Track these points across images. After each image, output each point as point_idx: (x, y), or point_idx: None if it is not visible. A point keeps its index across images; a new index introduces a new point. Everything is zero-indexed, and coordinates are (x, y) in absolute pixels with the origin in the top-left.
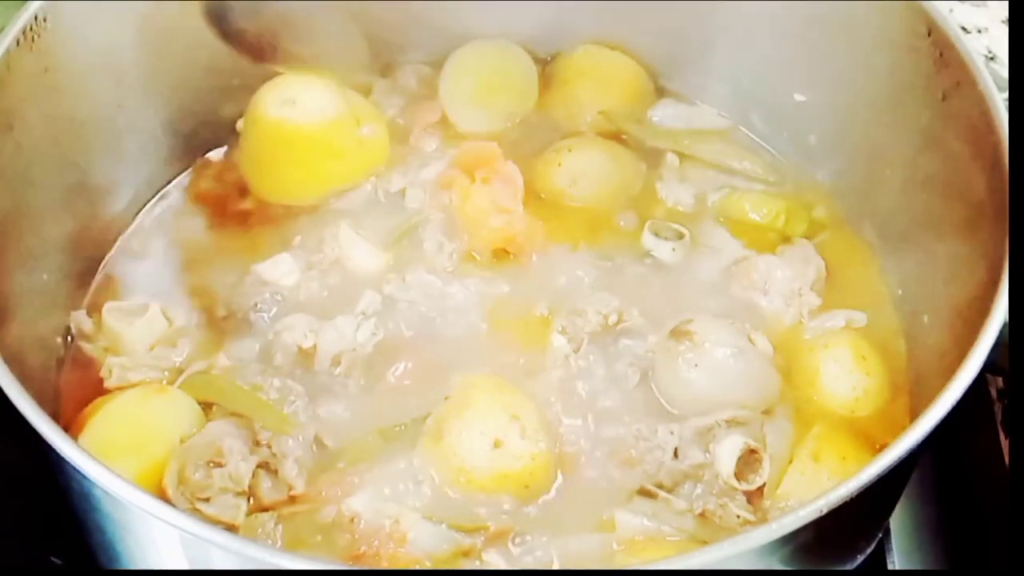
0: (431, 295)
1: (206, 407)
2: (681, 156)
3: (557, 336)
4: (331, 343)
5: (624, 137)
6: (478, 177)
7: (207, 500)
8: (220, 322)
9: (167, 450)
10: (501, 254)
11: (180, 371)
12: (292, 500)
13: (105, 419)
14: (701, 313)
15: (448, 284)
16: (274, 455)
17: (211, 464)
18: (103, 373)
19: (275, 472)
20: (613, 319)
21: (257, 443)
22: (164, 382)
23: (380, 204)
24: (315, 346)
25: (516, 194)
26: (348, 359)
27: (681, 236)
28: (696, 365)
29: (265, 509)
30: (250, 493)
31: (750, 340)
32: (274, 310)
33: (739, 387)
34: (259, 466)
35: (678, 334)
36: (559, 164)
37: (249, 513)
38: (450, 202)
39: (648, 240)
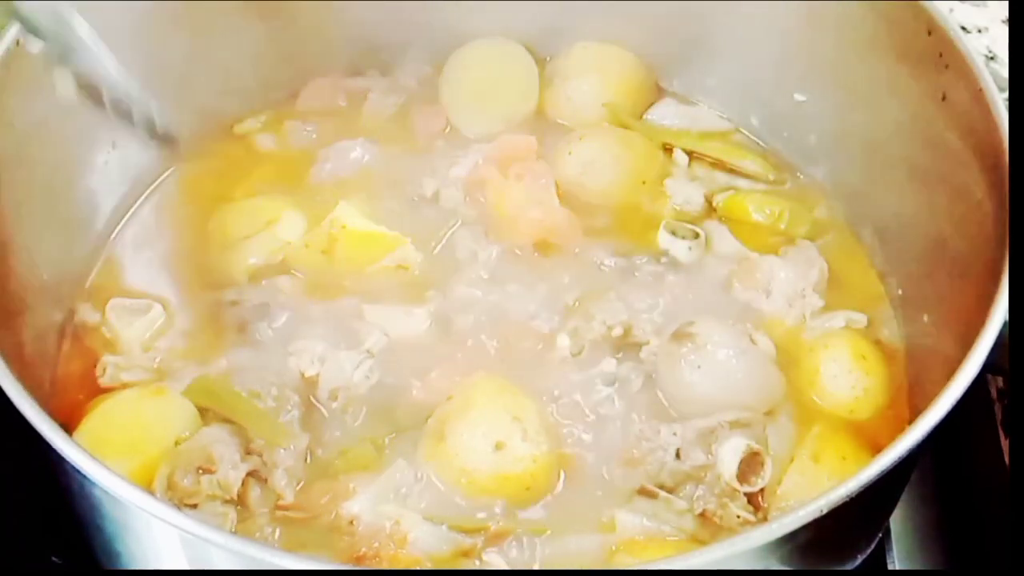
0: (474, 307)
1: (202, 411)
2: (688, 154)
3: (562, 336)
4: (331, 376)
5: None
6: (511, 174)
7: (194, 506)
8: (223, 324)
9: (161, 452)
10: (543, 247)
11: (176, 373)
12: (284, 508)
13: (100, 418)
14: (705, 314)
15: (488, 293)
16: (265, 464)
17: (201, 470)
18: (97, 370)
19: (265, 481)
20: (618, 332)
21: (249, 451)
22: (158, 383)
23: (415, 210)
24: (318, 375)
25: (549, 187)
26: (344, 396)
27: (697, 235)
28: (699, 367)
29: (253, 516)
30: (239, 501)
31: (752, 341)
32: (282, 319)
33: (742, 388)
34: (249, 474)
35: (680, 336)
36: (569, 153)
37: (238, 521)
38: (484, 200)
39: (664, 239)
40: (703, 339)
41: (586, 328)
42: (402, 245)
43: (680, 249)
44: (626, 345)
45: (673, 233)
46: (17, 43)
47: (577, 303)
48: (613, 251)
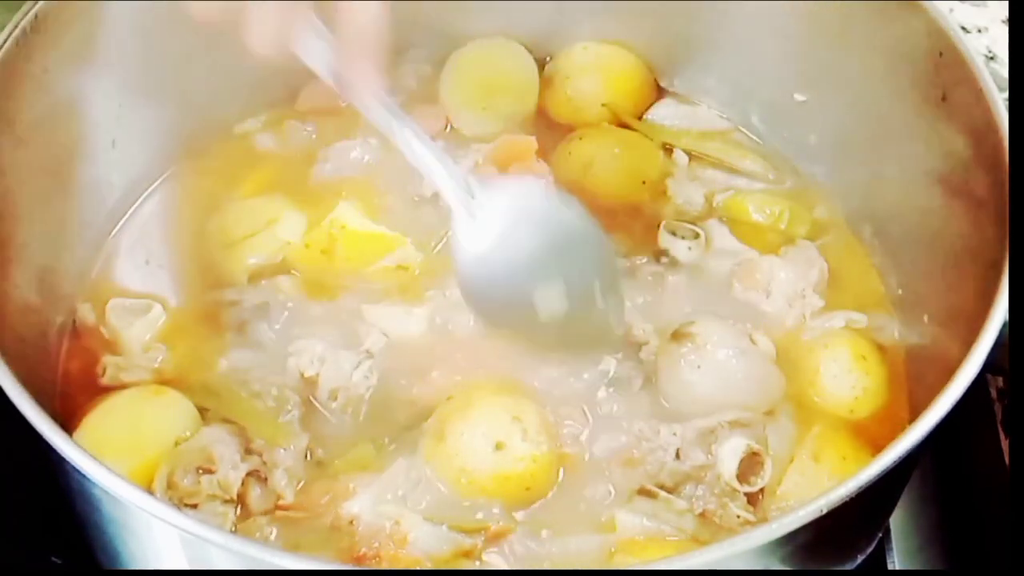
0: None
1: (202, 411)
2: (688, 154)
3: None
4: (331, 377)
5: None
6: (511, 173)
7: (194, 506)
8: (223, 324)
9: (161, 452)
10: None
11: (176, 373)
12: (285, 508)
13: (100, 418)
14: (705, 314)
15: None
16: (265, 464)
17: (200, 470)
18: (98, 371)
19: (265, 481)
20: (618, 331)
21: (249, 451)
22: (158, 383)
23: (415, 210)
24: (318, 375)
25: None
26: (344, 396)
27: (697, 236)
28: (698, 367)
29: (253, 516)
30: (239, 501)
31: (752, 341)
32: (282, 319)
33: (742, 388)
34: (249, 474)
35: (679, 336)
36: (569, 153)
37: (238, 521)
38: None
39: (664, 239)
40: (703, 339)
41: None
42: (402, 245)
43: (680, 249)
44: (626, 345)
45: (673, 233)
46: (17, 43)
47: None
48: (621, 254)
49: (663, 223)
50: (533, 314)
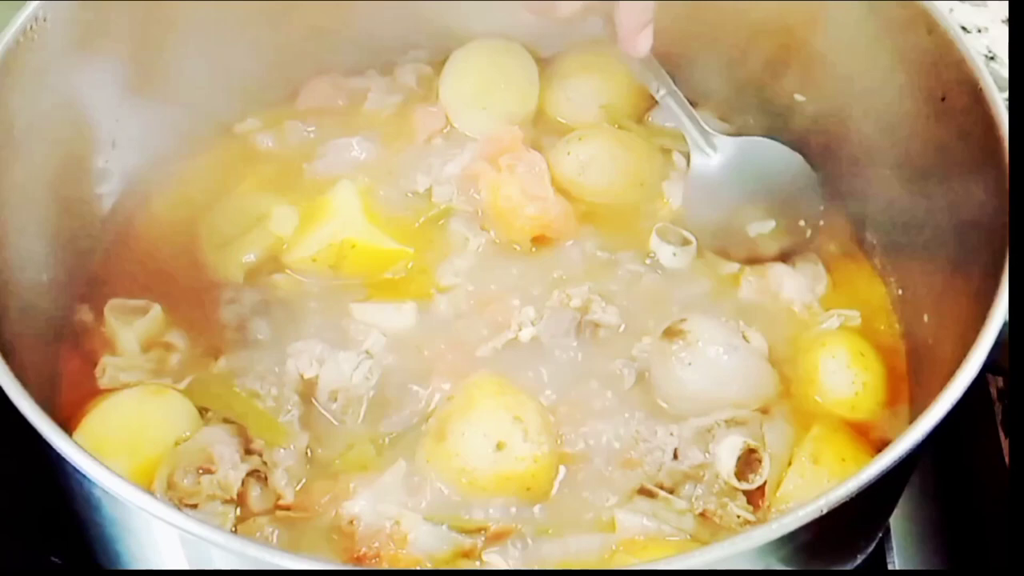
0: (468, 304)
1: (202, 411)
2: (686, 156)
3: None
4: (331, 378)
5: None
6: (503, 165)
7: (194, 506)
8: (222, 323)
9: (161, 452)
10: (538, 240)
11: (175, 374)
12: (285, 508)
13: (100, 418)
14: (696, 312)
15: (483, 289)
16: (265, 464)
17: (201, 470)
18: (97, 371)
19: (265, 481)
20: (621, 328)
21: (249, 451)
22: (158, 383)
23: (409, 206)
24: (317, 376)
25: (543, 178)
26: (344, 397)
27: (687, 243)
28: (689, 363)
29: (253, 516)
30: (239, 501)
31: (744, 338)
32: (281, 317)
33: (734, 384)
34: (249, 474)
35: (671, 333)
36: (568, 153)
37: (238, 521)
38: (480, 196)
39: (655, 243)
40: (694, 336)
41: (587, 323)
42: (405, 258)
43: (665, 254)
44: (622, 343)
45: (662, 237)
46: (17, 43)
47: (571, 297)
48: (608, 248)
49: (656, 228)
50: (742, 232)
